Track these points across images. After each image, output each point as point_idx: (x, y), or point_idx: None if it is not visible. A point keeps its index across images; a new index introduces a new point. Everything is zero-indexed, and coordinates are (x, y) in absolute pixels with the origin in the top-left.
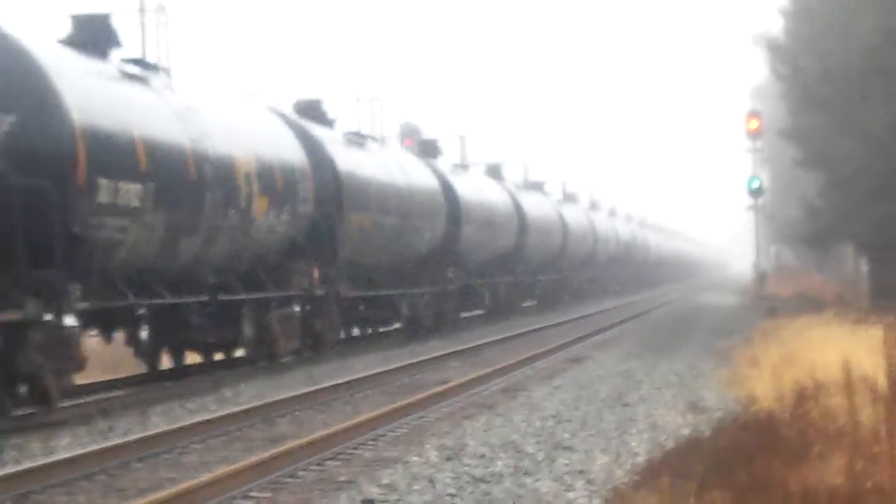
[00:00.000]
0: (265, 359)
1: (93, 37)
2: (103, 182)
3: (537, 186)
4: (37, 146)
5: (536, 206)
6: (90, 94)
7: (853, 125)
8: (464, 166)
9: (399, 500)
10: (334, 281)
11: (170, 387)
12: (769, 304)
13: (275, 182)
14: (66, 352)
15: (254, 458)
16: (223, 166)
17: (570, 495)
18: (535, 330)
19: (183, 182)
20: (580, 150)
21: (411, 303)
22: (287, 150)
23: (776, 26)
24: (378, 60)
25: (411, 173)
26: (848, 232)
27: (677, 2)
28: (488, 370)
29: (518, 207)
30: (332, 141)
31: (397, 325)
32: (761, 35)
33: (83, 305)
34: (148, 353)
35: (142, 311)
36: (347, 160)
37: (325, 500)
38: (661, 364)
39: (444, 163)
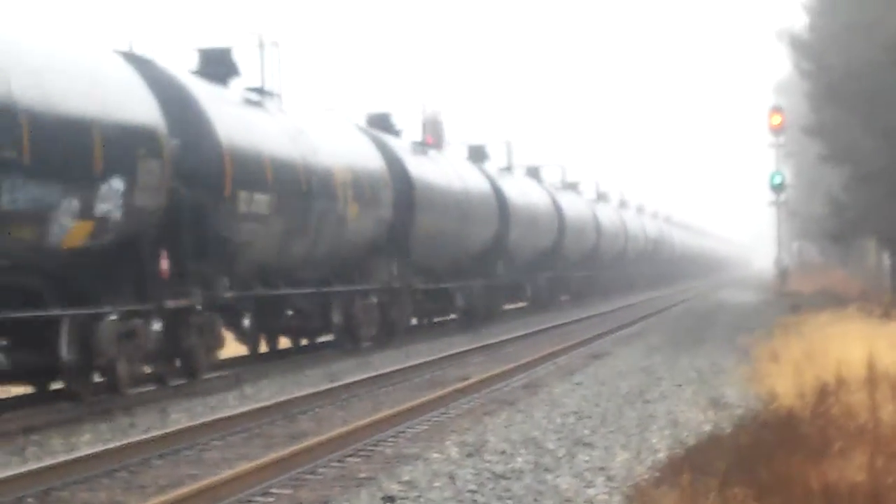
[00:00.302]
0: (350, 343)
1: (217, 68)
2: (242, 194)
3: (573, 187)
4: (196, 164)
5: (573, 207)
6: (229, 119)
7: (877, 121)
8: (509, 169)
9: (419, 496)
10: (407, 275)
11: (268, 366)
12: (791, 300)
13: (364, 190)
14: (213, 332)
15: (274, 455)
16: (326, 178)
17: (591, 492)
18: (558, 326)
19: (297, 193)
20: (609, 149)
21: (466, 295)
22: (371, 161)
23: (800, 22)
24: (426, 74)
25: (467, 179)
26: (872, 227)
27: None
28: (510, 366)
29: (558, 208)
30: (403, 150)
31: (453, 316)
32: (784, 31)
33: (229, 295)
34: (250, 338)
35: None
36: (418, 168)
37: (345, 496)
38: (682, 360)
39: (491, 167)
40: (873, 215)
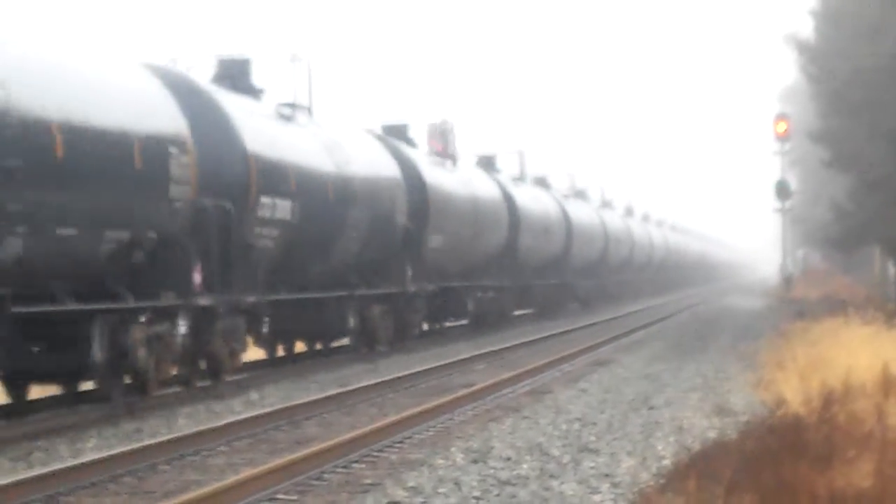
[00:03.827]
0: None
1: (398, 135)
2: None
3: (581, 195)
4: (415, 206)
5: (581, 215)
6: (433, 174)
7: (882, 128)
8: (522, 179)
9: (425, 502)
10: (515, 276)
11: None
12: (796, 306)
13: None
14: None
15: (280, 461)
16: (488, 210)
17: (596, 498)
18: (564, 332)
19: (461, 223)
20: (618, 156)
21: (541, 292)
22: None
23: (806, 27)
24: (436, 84)
25: (510, 191)
26: (876, 234)
27: (706, 2)
28: (515, 373)
29: (566, 217)
30: (472, 171)
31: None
32: (791, 36)
33: (413, 287)
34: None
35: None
36: (481, 187)
37: (351, 502)
38: (687, 367)
39: (504, 177)
40: (878, 222)
